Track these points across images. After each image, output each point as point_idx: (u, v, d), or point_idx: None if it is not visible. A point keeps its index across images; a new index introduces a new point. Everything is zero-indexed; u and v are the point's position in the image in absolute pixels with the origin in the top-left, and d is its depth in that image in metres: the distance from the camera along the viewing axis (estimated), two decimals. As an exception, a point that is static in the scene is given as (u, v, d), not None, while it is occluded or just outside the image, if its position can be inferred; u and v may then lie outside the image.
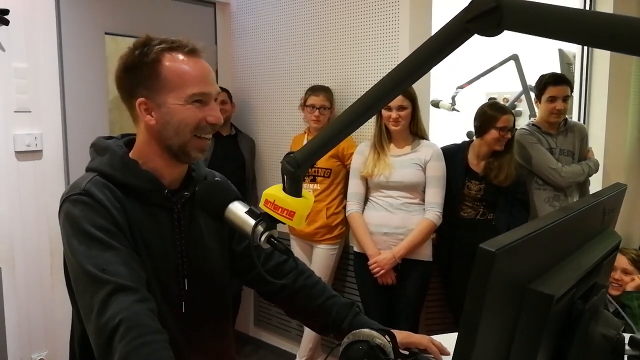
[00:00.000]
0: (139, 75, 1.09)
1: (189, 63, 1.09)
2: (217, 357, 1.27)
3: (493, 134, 2.47)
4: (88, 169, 1.13)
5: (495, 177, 2.47)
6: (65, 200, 1.05)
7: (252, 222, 1.00)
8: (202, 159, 1.15)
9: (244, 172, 3.17)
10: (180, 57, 1.09)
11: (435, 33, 0.77)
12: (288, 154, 0.97)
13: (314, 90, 2.81)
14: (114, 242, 1.01)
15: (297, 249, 2.95)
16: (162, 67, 1.07)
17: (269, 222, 1.00)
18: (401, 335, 1.24)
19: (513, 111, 3.57)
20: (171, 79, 1.07)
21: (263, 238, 0.99)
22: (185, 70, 1.08)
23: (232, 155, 3.15)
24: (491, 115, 2.49)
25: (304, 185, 2.81)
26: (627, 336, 0.95)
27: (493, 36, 0.73)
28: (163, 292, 1.11)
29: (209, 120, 1.09)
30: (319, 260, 2.83)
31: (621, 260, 2.46)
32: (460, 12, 0.74)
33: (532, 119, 2.91)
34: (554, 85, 2.62)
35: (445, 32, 0.76)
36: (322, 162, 2.76)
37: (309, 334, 2.91)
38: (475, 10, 0.70)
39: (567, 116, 2.77)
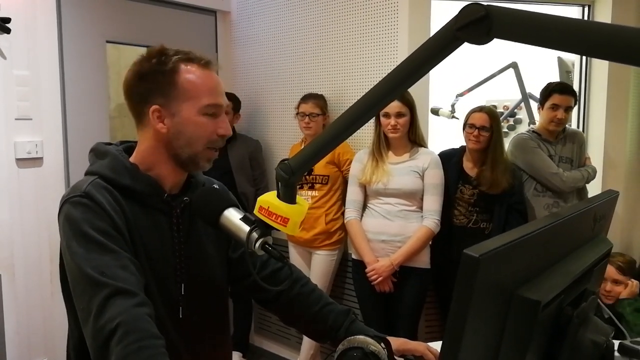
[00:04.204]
0: (155, 82, 1.10)
1: (204, 75, 1.12)
2: None
3: (466, 132, 2.53)
4: (88, 173, 1.13)
5: (487, 186, 2.47)
6: (65, 202, 1.05)
7: (247, 228, 1.00)
8: (209, 167, 1.18)
9: (232, 179, 3.12)
10: (196, 68, 1.11)
11: (427, 41, 0.78)
12: (282, 160, 0.98)
13: (304, 98, 2.88)
14: (113, 245, 1.01)
15: (295, 256, 2.95)
16: (179, 76, 1.10)
17: (264, 228, 1.00)
18: (397, 342, 1.23)
19: (513, 118, 3.59)
20: (187, 88, 1.10)
21: (257, 244, 1.00)
22: (200, 82, 1.11)
23: (217, 162, 3.10)
24: (467, 115, 2.57)
25: (303, 192, 2.84)
26: (616, 342, 0.94)
27: (483, 44, 0.73)
28: (162, 296, 1.11)
29: (219, 133, 1.13)
30: (318, 266, 2.83)
31: (609, 270, 2.43)
32: (451, 20, 0.74)
33: (531, 125, 2.92)
34: (559, 93, 2.62)
35: (436, 40, 0.76)
36: (320, 169, 2.79)
37: (308, 341, 2.91)
38: (465, 19, 0.71)
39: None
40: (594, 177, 2.74)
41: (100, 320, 0.93)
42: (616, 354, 0.92)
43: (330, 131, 0.93)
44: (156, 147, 1.14)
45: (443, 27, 0.76)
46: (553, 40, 0.67)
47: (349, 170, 2.73)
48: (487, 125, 2.47)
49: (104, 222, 1.02)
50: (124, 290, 0.95)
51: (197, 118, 1.10)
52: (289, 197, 0.99)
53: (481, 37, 0.72)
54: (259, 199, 1.01)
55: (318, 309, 1.28)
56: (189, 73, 1.10)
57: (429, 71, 0.82)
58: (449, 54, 0.78)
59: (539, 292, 0.58)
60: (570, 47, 0.68)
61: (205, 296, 1.21)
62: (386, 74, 0.84)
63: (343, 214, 2.80)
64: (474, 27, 0.70)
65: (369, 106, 0.87)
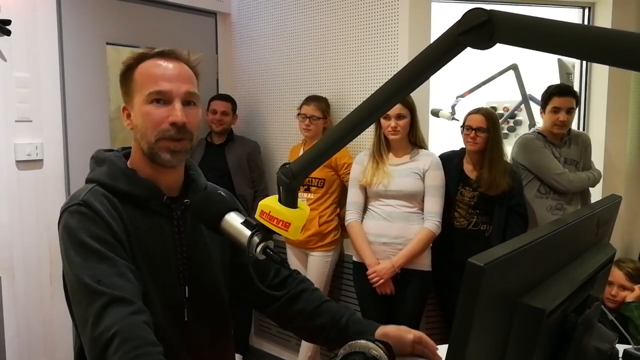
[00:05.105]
0: (121, 84, 1.15)
1: (153, 64, 1.11)
2: None
3: (464, 134, 2.54)
4: (87, 180, 1.14)
5: (487, 188, 2.47)
6: (64, 211, 1.06)
7: (248, 233, 1.00)
8: (175, 162, 1.12)
9: (230, 181, 3.10)
10: (151, 60, 1.12)
11: (428, 46, 0.78)
12: (284, 165, 0.98)
13: (307, 100, 2.87)
14: (110, 253, 1.01)
15: (292, 258, 2.96)
16: (134, 71, 1.12)
17: (265, 233, 1.00)
18: (391, 331, 1.21)
19: (513, 120, 3.59)
20: (138, 81, 1.11)
21: (259, 249, 1.00)
22: (148, 71, 1.11)
23: (215, 164, 3.10)
24: (465, 117, 2.57)
25: (298, 194, 2.82)
26: (620, 347, 0.94)
27: (485, 49, 0.73)
28: (164, 301, 1.11)
29: (169, 120, 1.08)
30: (314, 267, 2.84)
31: (618, 275, 2.42)
32: (453, 25, 0.74)
33: (536, 127, 2.91)
34: (558, 96, 2.61)
35: (438, 45, 0.76)
36: (316, 172, 2.75)
37: (306, 343, 2.90)
38: (467, 24, 0.71)
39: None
40: (598, 181, 2.73)
41: (97, 329, 0.92)
42: (620, 360, 0.92)
43: (331, 136, 0.93)
44: (135, 147, 1.16)
45: (445, 32, 0.75)
46: (555, 45, 0.67)
47: (346, 174, 2.73)
48: (484, 126, 2.47)
49: (102, 230, 1.03)
50: (120, 298, 0.95)
51: (144, 107, 1.09)
52: (290, 201, 0.99)
53: (483, 42, 0.71)
54: (260, 203, 1.01)
55: (319, 303, 1.29)
56: (144, 66, 1.11)
57: (431, 76, 0.82)
58: (451, 59, 0.78)
59: (543, 300, 0.58)
60: (572, 52, 0.68)
61: (208, 298, 1.21)
62: (386, 76, 0.84)
63: (338, 215, 2.82)
64: (476, 32, 0.70)
65: (371, 111, 0.87)
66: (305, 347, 2.91)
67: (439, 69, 0.79)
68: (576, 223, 0.71)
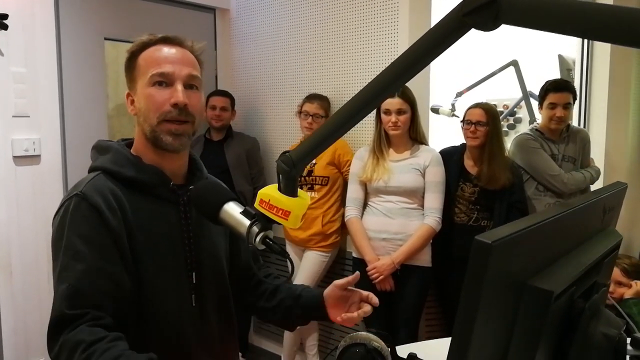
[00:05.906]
0: (126, 71, 1.15)
1: (159, 49, 1.12)
2: (222, 357, 1.26)
3: (464, 129, 2.53)
4: (91, 169, 1.14)
5: (486, 182, 2.46)
6: (64, 202, 1.06)
7: (247, 222, 0.98)
8: (178, 145, 1.11)
9: (229, 178, 3.08)
10: (155, 46, 1.13)
11: (432, 27, 0.76)
12: (283, 153, 0.96)
13: (310, 98, 2.83)
14: (91, 255, 1.01)
15: (292, 255, 2.93)
16: (137, 57, 1.13)
17: (264, 222, 0.98)
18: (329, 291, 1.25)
19: (512, 117, 3.58)
20: (141, 65, 1.12)
21: (258, 239, 0.98)
22: (152, 56, 1.12)
23: (214, 161, 3.08)
24: (464, 112, 2.56)
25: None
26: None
27: (490, 30, 0.71)
28: (171, 287, 1.11)
29: (171, 102, 1.08)
30: (308, 264, 2.81)
31: (614, 272, 2.41)
32: (457, 5, 0.72)
33: (535, 123, 2.90)
34: (554, 92, 2.60)
35: (442, 27, 0.74)
36: (320, 170, 2.76)
37: (289, 338, 2.92)
38: (472, 4, 0.69)
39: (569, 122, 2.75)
40: (597, 179, 2.71)
41: (50, 342, 1.02)
42: (628, 347, 0.91)
43: (331, 123, 0.91)
44: (138, 133, 1.15)
45: (449, 13, 0.74)
46: (563, 24, 0.65)
47: (348, 172, 2.71)
48: (483, 120, 2.46)
49: (92, 228, 1.02)
50: (66, 317, 0.99)
51: (146, 90, 1.10)
52: (290, 189, 0.97)
53: (488, 23, 0.70)
54: (259, 192, 0.99)
55: (280, 284, 1.37)
56: (147, 53, 1.12)
57: (434, 59, 0.80)
58: (455, 41, 0.76)
59: (551, 282, 0.56)
60: (580, 31, 0.66)
61: (215, 284, 1.22)
62: (385, 72, 0.81)
63: (342, 216, 2.79)
64: (481, 12, 0.69)
65: (372, 96, 0.85)
66: (289, 342, 2.93)
67: (442, 51, 0.77)
68: (582, 207, 0.70)
